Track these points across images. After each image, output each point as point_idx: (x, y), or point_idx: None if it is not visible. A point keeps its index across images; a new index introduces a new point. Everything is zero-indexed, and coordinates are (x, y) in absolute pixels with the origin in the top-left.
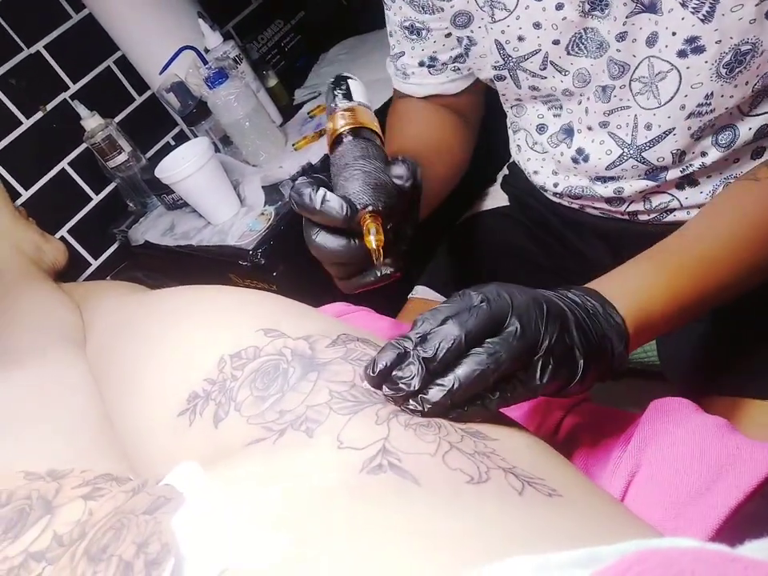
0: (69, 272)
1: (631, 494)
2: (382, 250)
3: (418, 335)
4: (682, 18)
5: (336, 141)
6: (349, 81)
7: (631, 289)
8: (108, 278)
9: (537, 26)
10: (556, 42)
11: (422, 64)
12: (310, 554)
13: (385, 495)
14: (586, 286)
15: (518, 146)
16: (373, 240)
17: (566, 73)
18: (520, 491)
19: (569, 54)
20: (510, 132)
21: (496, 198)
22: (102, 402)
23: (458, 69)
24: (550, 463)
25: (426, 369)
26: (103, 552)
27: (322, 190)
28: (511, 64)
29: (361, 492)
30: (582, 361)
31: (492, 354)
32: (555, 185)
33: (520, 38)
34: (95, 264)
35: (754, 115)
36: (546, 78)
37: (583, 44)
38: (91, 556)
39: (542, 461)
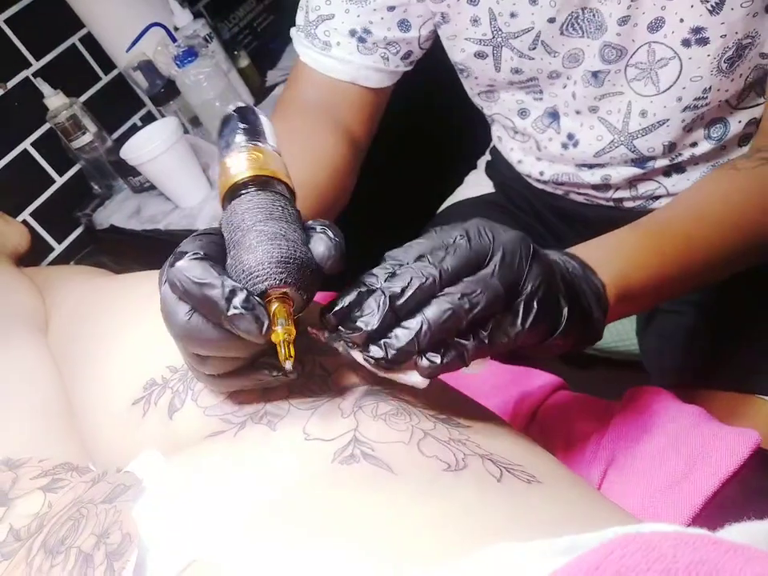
0: (31, 257)
1: (608, 482)
2: (292, 347)
3: (387, 272)
4: (691, 6)
5: (234, 191)
6: (259, 116)
7: (613, 256)
8: (72, 262)
9: (533, 1)
10: (551, 20)
11: (353, 33)
12: (284, 546)
13: (360, 485)
14: (565, 251)
15: (498, 136)
16: (281, 331)
17: (556, 54)
18: (498, 478)
19: (562, 33)
20: (489, 121)
21: (479, 184)
22: (63, 390)
23: (387, 58)
24: (526, 450)
25: (391, 306)
26: (61, 544)
27: (241, 294)
28: (499, 39)
29: (334, 482)
30: (566, 309)
31: (468, 293)
32: (541, 173)
33: (512, 14)
34: (59, 248)
35: (742, 108)
36: (533, 59)
37: (579, 24)
38: (48, 549)
39: (517, 448)
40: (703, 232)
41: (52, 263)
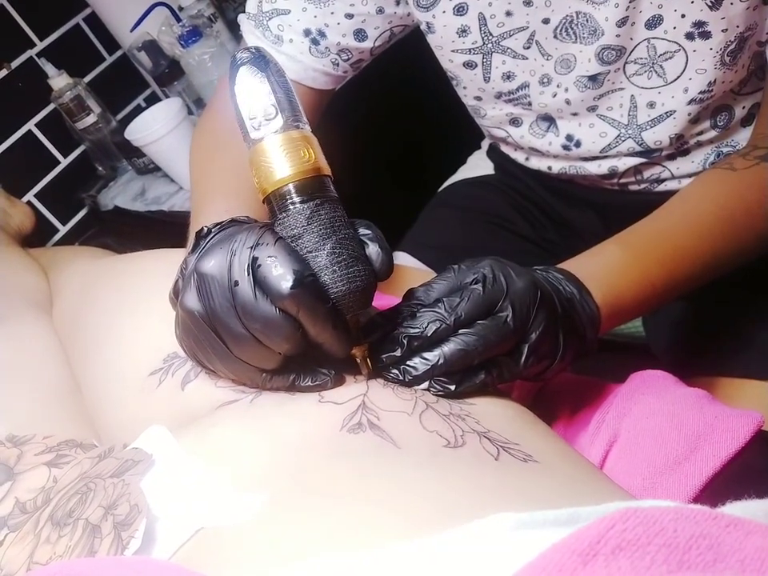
0: (36, 238)
1: (609, 463)
2: (370, 362)
3: (410, 311)
4: (692, 2)
5: (288, 192)
6: (284, 73)
7: (605, 275)
8: (77, 244)
9: (527, 3)
10: (546, 21)
11: (307, 33)
12: (289, 513)
13: (364, 456)
14: (562, 267)
15: (498, 142)
16: (359, 350)
17: (549, 57)
18: (496, 456)
19: (555, 37)
20: (485, 133)
21: (480, 166)
22: (68, 368)
23: (337, 64)
24: (526, 428)
25: (409, 347)
26: (69, 516)
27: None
28: (489, 45)
29: (340, 452)
30: (562, 346)
31: (481, 336)
32: (549, 168)
33: (508, 13)
34: (63, 230)
35: (745, 94)
36: (527, 59)
37: (573, 29)
38: (56, 521)
39: (517, 425)
40: (692, 242)
41: (57, 244)
